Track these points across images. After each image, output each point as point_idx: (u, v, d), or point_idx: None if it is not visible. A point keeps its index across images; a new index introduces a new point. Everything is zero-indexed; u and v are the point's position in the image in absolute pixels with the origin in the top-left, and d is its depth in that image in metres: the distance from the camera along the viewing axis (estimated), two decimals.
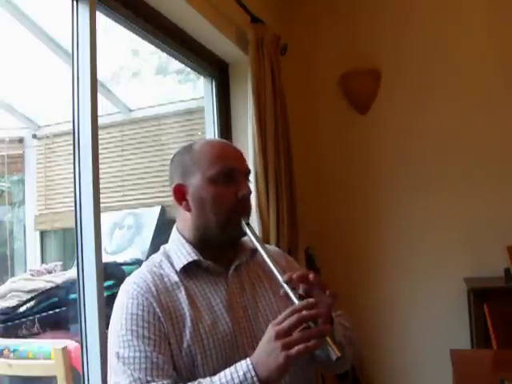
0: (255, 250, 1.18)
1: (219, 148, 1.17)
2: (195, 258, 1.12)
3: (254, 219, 2.22)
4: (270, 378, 0.93)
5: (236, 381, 0.93)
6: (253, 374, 0.93)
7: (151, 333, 1.01)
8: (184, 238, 1.16)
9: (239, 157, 1.19)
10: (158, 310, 1.04)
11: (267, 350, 0.93)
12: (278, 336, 0.93)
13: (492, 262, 2.59)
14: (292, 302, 0.98)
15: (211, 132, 2.52)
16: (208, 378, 0.96)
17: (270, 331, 0.95)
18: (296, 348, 0.91)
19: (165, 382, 0.96)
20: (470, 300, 2.49)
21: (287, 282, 1.00)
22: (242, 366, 0.94)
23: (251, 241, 1.12)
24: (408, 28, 2.85)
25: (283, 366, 0.91)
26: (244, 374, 0.93)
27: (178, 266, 1.12)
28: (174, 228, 1.21)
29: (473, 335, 2.45)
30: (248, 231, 1.11)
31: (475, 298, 2.40)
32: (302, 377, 1.14)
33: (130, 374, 0.97)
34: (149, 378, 0.96)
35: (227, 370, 0.95)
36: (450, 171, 2.76)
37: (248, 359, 0.95)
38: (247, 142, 2.30)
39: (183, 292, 1.08)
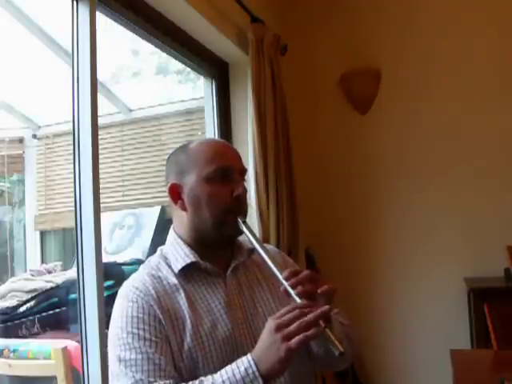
0: (252, 251, 1.18)
1: (215, 147, 1.16)
2: (193, 259, 1.11)
3: (254, 219, 2.22)
4: (272, 372, 0.92)
5: (238, 377, 0.92)
6: (254, 369, 0.92)
7: (152, 335, 1.00)
8: (181, 238, 1.15)
9: (235, 156, 1.19)
10: (158, 312, 1.03)
11: (267, 343, 0.93)
12: (278, 328, 0.92)
13: (492, 262, 2.59)
14: (292, 299, 0.98)
15: (211, 132, 2.51)
16: (209, 376, 0.96)
17: (270, 324, 0.94)
18: (296, 338, 0.90)
19: (167, 382, 0.96)
20: (470, 300, 2.49)
21: (287, 279, 1.00)
22: (243, 362, 0.94)
23: (248, 239, 1.12)
24: (408, 28, 2.85)
25: (284, 359, 0.90)
26: (245, 370, 0.92)
27: (177, 268, 1.11)
28: (171, 229, 1.20)
29: (473, 335, 2.45)
30: (245, 229, 1.11)
31: (475, 298, 2.40)
32: (302, 375, 1.13)
33: (131, 376, 0.96)
34: (151, 379, 0.95)
35: (228, 367, 0.95)
36: (450, 171, 2.76)
37: (249, 355, 0.95)
38: (247, 141, 2.30)
39: (182, 294, 1.07)
